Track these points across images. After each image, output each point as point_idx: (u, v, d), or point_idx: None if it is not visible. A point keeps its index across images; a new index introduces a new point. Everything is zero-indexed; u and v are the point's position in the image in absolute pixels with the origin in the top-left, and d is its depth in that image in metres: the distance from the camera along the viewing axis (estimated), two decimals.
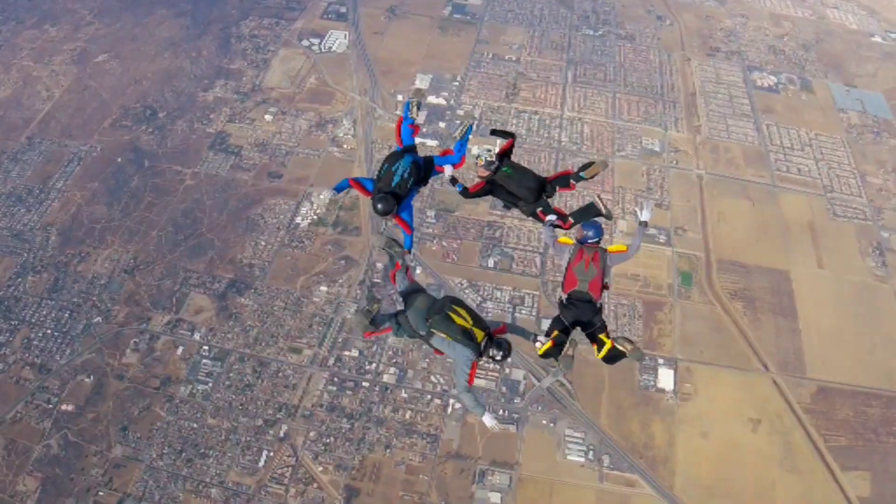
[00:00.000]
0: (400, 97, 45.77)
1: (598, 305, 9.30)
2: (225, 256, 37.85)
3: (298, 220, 39.30)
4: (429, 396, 33.30)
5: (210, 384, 33.67)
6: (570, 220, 10.10)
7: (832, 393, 34.41)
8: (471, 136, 10.60)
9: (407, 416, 32.75)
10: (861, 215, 41.63)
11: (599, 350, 9.16)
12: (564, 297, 9.37)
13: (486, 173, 10.00)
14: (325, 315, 35.75)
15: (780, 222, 40.91)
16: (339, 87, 46.51)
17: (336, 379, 33.92)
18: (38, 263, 37.64)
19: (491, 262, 37.86)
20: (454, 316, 8.49)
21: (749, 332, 35.97)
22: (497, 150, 10.39)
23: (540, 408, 32.71)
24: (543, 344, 9.16)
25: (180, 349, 34.69)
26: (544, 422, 32.43)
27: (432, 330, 8.50)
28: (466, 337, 8.42)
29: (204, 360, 34.38)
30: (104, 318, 35.62)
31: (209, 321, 35.57)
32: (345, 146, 42.85)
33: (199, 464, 31.61)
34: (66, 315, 35.76)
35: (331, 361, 34.42)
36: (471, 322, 8.53)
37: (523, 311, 35.95)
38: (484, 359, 8.69)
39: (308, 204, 39.87)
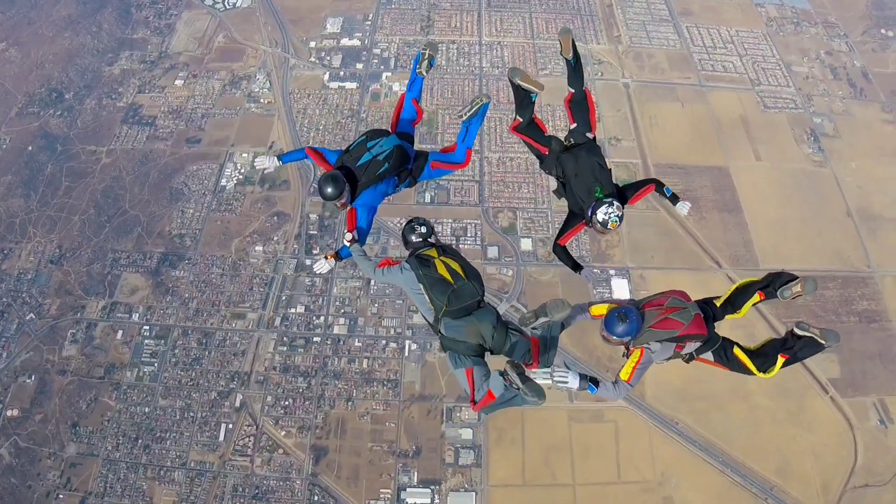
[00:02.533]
0: (313, 44, 42.47)
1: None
2: (153, 231, 34.55)
3: (224, 182, 36.09)
4: (383, 342, 30.99)
5: (156, 364, 30.79)
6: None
7: None
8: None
9: (364, 365, 30.41)
10: (791, 104, 40.03)
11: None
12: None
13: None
14: (264, 275, 32.94)
15: (712, 120, 39.05)
16: (248, 42, 42.71)
17: (285, 339, 31.25)
18: None
19: (428, 197, 35.26)
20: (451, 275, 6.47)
21: (696, 231, 34.20)
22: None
23: None
24: None
25: (120, 333, 31.54)
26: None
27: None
28: (457, 254, 6.76)
29: (146, 341, 31.37)
30: (37, 314, 32.27)
31: (146, 300, 32.47)
32: (262, 101, 39.50)
33: (158, 449, 28.97)
34: None
35: (277, 321, 31.67)
36: (446, 261, 6.58)
37: (467, 242, 33.61)
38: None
39: (232, 165, 36.67)
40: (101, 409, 29.76)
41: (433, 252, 6.63)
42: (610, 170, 7.40)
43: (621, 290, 31.94)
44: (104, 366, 30.78)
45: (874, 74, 41.95)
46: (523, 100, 7.53)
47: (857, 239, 34.86)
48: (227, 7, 44.69)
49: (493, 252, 33.19)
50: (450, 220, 34.30)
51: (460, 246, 33.13)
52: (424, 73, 7.66)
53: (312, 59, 41.63)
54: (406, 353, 30.53)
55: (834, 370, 30.85)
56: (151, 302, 32.40)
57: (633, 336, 6.38)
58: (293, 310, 31.98)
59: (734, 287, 7.05)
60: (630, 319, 6.28)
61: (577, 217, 7.37)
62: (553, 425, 28.73)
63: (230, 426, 29.27)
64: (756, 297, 6.86)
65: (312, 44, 42.38)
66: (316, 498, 27.76)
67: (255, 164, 7.66)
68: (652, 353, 6.50)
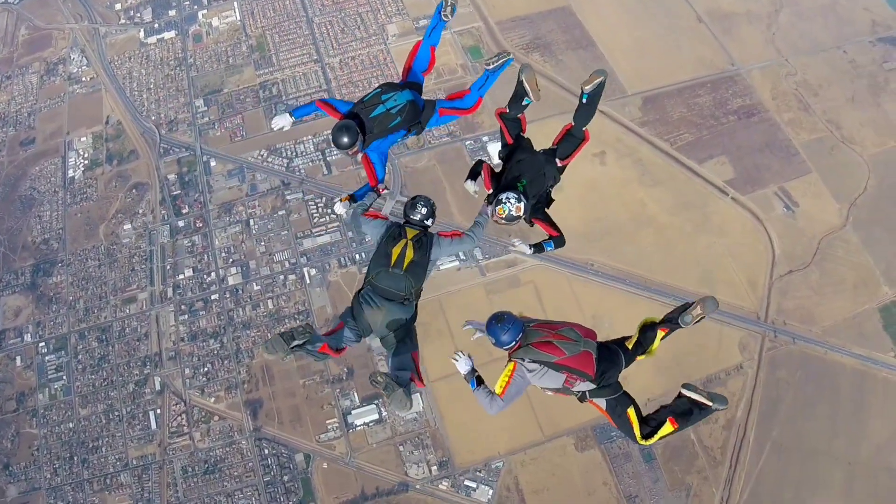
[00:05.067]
0: (118, 6, 38.62)
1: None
2: (16, 246, 31.82)
3: (71, 173, 33.19)
4: (282, 277, 29.41)
5: (64, 377, 28.68)
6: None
7: (658, 99, 32.77)
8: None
9: (270, 306, 28.87)
10: None
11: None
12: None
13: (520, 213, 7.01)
14: (142, 251, 30.72)
15: None
16: (52, 25, 38.67)
17: (183, 306, 29.34)
18: None
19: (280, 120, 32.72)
20: (407, 260, 6.58)
21: (556, 75, 33.08)
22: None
23: None
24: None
25: (18, 359, 29.24)
26: None
27: (419, 289, 6.80)
28: (421, 247, 6.68)
29: (47, 357, 29.10)
30: None
31: (32, 317, 30.02)
32: (84, 79, 36.15)
33: (95, 459, 27.20)
34: None
35: (170, 293, 29.68)
36: (409, 242, 6.66)
37: (334, 154, 31.67)
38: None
39: (74, 153, 33.70)
40: (27, 441, 27.85)
41: (412, 232, 6.67)
42: (549, 194, 7.65)
43: (497, 152, 30.79)
44: (14, 397, 28.63)
45: None
46: (519, 98, 7.34)
47: (714, 41, 34.54)
48: None
49: None
50: (310, 137, 32.32)
51: (328, 158, 31.78)
52: (449, 18, 7.71)
53: (122, 20, 38.14)
54: (308, 281, 29.11)
55: (727, 171, 30.84)
56: (38, 317, 30.04)
57: (505, 345, 6.32)
58: (181, 276, 30.05)
59: (640, 326, 6.73)
60: (504, 323, 6.29)
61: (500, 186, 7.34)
62: (473, 304, 27.71)
63: (158, 411, 27.63)
64: (661, 334, 6.62)
65: (118, 6, 38.63)
66: (266, 451, 26.58)
67: (272, 126, 8.03)
68: (528, 373, 6.27)
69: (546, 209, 7.61)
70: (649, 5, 35.56)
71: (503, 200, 6.74)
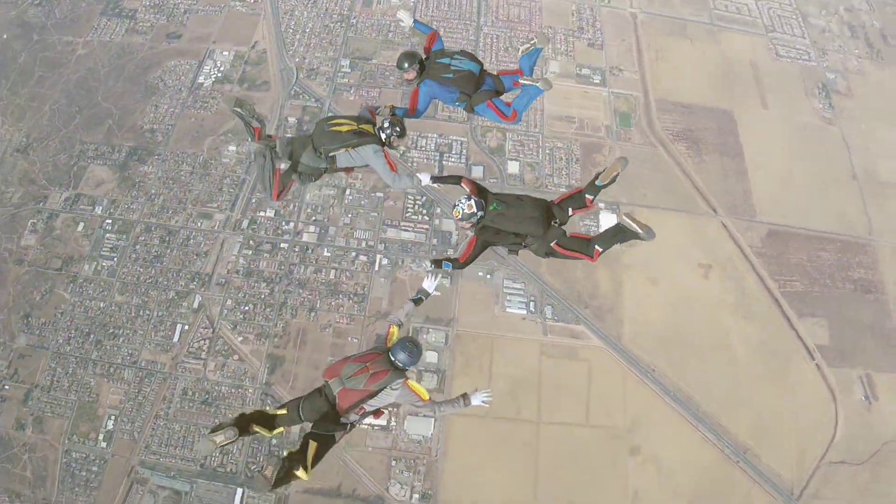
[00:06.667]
0: None
1: (341, 422, 7.24)
2: (124, 124, 32.75)
3: (201, 79, 34.06)
4: (353, 254, 29.35)
5: (115, 259, 29.30)
6: (598, 248, 7.94)
7: (784, 236, 31.47)
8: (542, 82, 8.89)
9: (331, 276, 28.81)
10: (805, 56, 37.48)
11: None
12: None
13: (470, 226, 8.01)
14: (235, 176, 31.17)
15: (721, 61, 36.65)
16: None
17: (251, 242, 29.62)
18: None
19: None
20: (336, 128, 8.12)
21: (694, 173, 32.33)
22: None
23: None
24: None
25: (81, 225, 30.03)
26: (480, 273, 28.67)
27: (330, 153, 8.18)
28: (359, 135, 8.09)
29: (107, 235, 29.82)
30: None
31: (110, 193, 30.83)
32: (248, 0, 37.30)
33: (110, 345, 27.60)
34: None
35: (245, 224, 30.01)
36: (355, 124, 8.19)
37: (451, 159, 31.70)
38: (389, 143, 8.36)
39: (211, 62, 34.66)
40: (56, 302, 28.55)
41: (368, 128, 8.19)
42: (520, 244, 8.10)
43: (610, 224, 30.22)
44: (62, 258, 29.48)
45: (893, 37, 39.47)
46: (594, 183, 8.18)
47: (860, 203, 33.09)
48: None
49: (477, 172, 31.27)
50: (435, 135, 32.26)
51: (444, 162, 31.72)
52: (526, 81, 8.84)
53: None
54: (376, 268, 28.98)
55: (822, 336, 29.39)
56: (116, 196, 30.81)
57: (399, 362, 7.28)
58: (262, 213, 30.34)
59: None
60: (413, 351, 7.29)
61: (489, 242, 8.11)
62: (524, 357, 27.36)
63: (186, 327, 27.90)
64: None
65: None
66: (267, 408, 26.17)
67: (397, 15, 9.65)
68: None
69: (483, 242, 7.95)
70: (811, 142, 34.45)
71: (456, 203, 7.72)
